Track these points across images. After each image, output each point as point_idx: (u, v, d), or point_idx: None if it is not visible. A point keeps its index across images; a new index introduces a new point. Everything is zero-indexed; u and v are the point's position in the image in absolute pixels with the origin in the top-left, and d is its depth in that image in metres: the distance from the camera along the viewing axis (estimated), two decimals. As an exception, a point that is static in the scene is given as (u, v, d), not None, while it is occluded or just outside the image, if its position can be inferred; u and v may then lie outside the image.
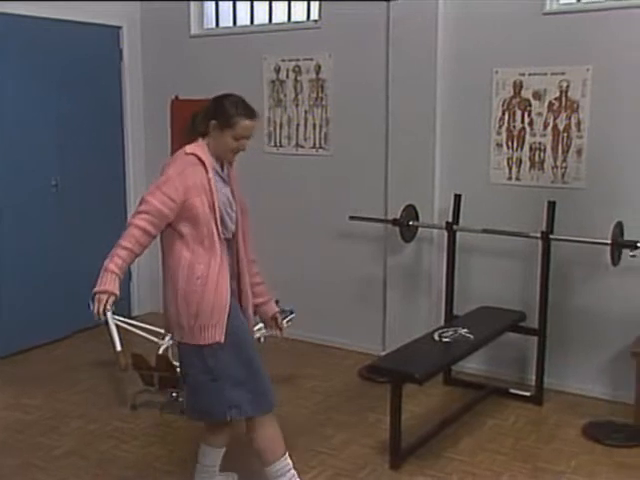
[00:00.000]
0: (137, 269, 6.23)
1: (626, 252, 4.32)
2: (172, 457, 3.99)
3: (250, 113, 3.12)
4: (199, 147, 3.10)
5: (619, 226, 4.32)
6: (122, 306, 5.11)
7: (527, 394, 4.71)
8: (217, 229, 3.06)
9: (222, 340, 3.05)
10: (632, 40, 4.30)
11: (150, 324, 4.75)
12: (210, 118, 3.10)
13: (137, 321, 4.88)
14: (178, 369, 4.47)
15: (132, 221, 2.98)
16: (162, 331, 4.62)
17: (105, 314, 2.89)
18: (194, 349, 3.09)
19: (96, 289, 2.90)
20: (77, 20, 5.75)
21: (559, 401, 4.71)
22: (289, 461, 3.23)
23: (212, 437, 3.36)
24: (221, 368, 3.08)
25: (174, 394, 4.49)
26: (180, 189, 2.98)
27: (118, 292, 2.91)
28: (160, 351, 4.49)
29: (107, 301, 2.88)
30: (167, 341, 4.50)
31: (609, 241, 4.29)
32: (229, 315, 3.07)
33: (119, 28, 6.21)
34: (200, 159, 3.06)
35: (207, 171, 3.05)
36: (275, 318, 3.47)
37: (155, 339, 4.60)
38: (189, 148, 3.10)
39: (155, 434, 4.28)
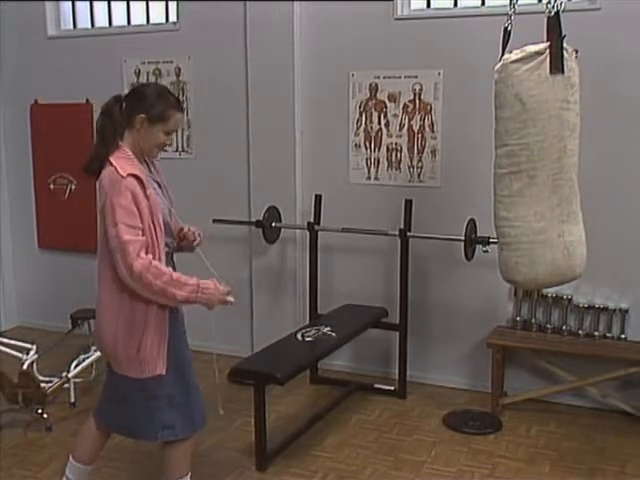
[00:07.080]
0: (2, 281, 5.96)
1: (479, 247, 4.47)
2: (37, 477, 3.83)
3: (180, 105, 2.95)
4: (128, 161, 2.79)
5: (472, 223, 4.49)
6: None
7: (391, 388, 4.83)
8: (160, 250, 2.83)
9: (163, 372, 2.90)
10: (479, 45, 4.47)
11: (17, 338, 4.55)
12: (136, 112, 2.82)
13: (4, 336, 4.67)
14: (42, 384, 4.37)
15: (141, 263, 2.71)
16: (27, 345, 4.48)
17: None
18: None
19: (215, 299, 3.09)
20: None
21: (422, 393, 4.86)
22: None
23: (85, 453, 3.18)
24: (160, 387, 2.92)
25: (39, 410, 4.33)
26: (137, 214, 2.74)
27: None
28: (25, 367, 4.32)
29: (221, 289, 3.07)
30: (31, 356, 4.35)
31: (463, 237, 4.45)
32: (170, 335, 2.93)
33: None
34: (138, 178, 2.76)
35: (145, 188, 2.78)
36: (185, 234, 3.22)
37: (19, 354, 4.41)
38: (122, 168, 2.74)
39: (19, 454, 4.08)
